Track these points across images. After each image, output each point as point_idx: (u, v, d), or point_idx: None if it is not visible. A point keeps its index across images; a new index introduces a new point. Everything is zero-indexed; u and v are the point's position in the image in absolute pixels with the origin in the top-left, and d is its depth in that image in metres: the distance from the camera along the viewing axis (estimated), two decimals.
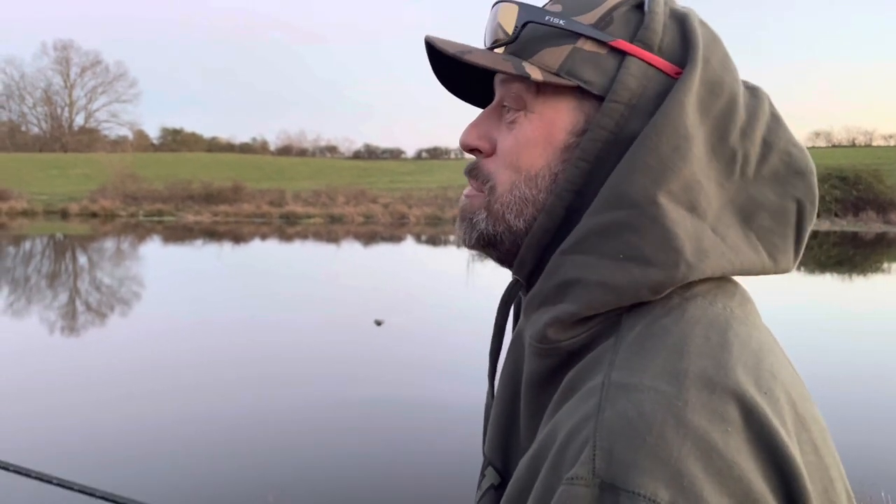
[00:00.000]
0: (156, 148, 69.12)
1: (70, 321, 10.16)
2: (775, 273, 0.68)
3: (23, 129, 67.50)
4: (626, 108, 0.65)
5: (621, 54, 0.66)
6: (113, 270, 16.01)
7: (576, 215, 0.66)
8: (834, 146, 57.35)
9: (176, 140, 71.63)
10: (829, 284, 15.32)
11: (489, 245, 0.73)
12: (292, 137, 75.44)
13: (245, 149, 69.75)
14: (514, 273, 0.74)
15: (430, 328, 9.76)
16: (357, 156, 70.78)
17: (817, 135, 61.92)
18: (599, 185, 0.64)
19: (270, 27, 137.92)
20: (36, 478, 1.32)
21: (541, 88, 0.68)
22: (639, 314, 0.62)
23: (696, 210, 0.62)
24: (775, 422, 0.54)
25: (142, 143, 68.68)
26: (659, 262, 0.60)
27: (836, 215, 33.02)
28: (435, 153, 67.94)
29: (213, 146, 70.12)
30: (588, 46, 0.66)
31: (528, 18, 0.68)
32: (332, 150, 73.52)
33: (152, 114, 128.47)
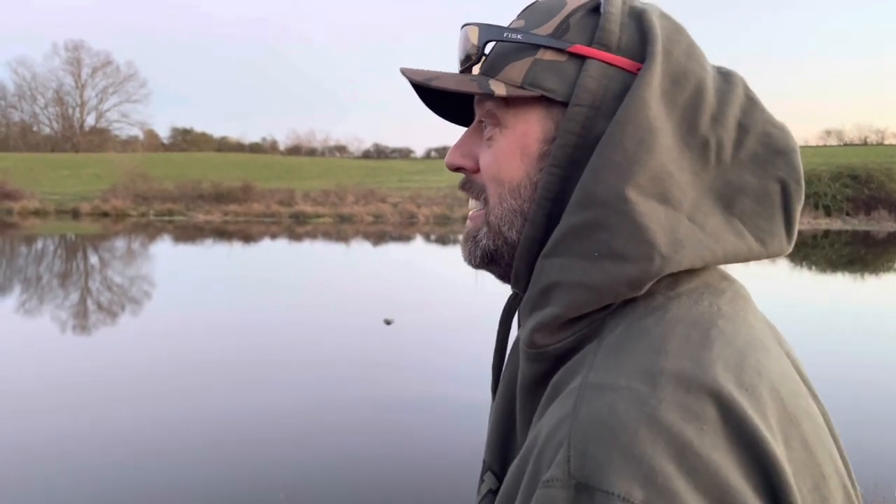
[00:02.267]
0: (166, 148, 69.40)
1: (81, 320, 10.21)
2: (767, 257, 0.68)
3: (34, 129, 67.91)
4: (589, 109, 0.65)
5: (581, 59, 0.67)
6: (124, 270, 16.09)
7: (556, 221, 0.66)
8: (845, 145, 56.92)
9: (186, 140, 71.93)
10: (841, 284, 15.22)
11: (492, 261, 0.74)
12: (302, 137, 75.84)
13: (255, 148, 69.96)
14: (512, 287, 0.76)
15: (439, 327, 9.76)
16: (366, 155, 70.87)
17: (829, 133, 61.60)
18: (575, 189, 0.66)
19: (281, 28, 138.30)
20: None
21: (509, 103, 0.69)
22: (622, 315, 0.62)
23: (670, 201, 0.62)
24: (755, 418, 0.53)
25: (152, 142, 68.99)
26: (632, 256, 0.60)
27: (848, 214, 32.79)
28: (444, 152, 65.68)
29: (223, 146, 70.35)
30: (547, 56, 0.68)
31: (488, 37, 0.71)
32: (341, 149, 73.68)
33: (163, 114, 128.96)
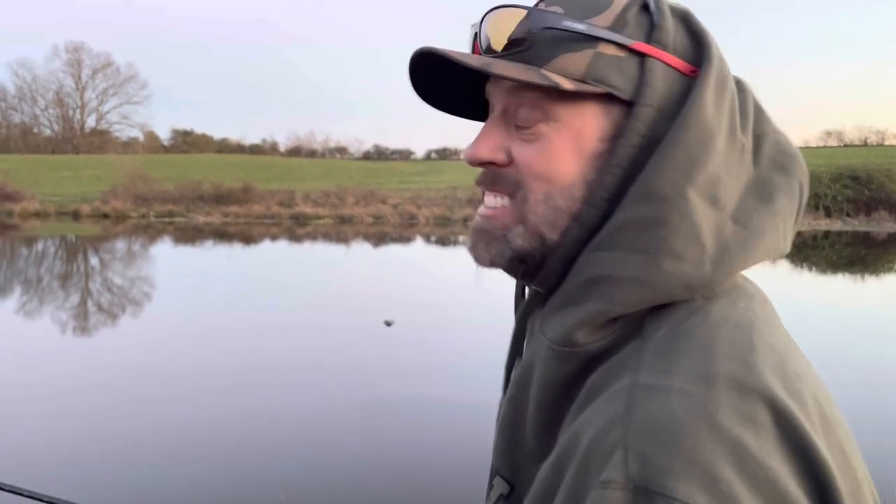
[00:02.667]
0: (166, 149, 69.47)
1: (81, 322, 10.21)
2: (781, 256, 0.69)
3: (35, 130, 68.02)
4: (655, 111, 0.64)
5: (640, 56, 0.65)
6: (124, 271, 16.10)
7: (607, 221, 0.65)
8: (846, 146, 56.92)
9: (186, 141, 72.00)
10: (841, 284, 15.22)
11: (521, 262, 0.71)
12: (302, 138, 75.73)
13: (255, 150, 70.01)
14: (535, 285, 0.73)
15: (440, 328, 9.76)
16: (366, 156, 70.88)
17: (829, 134, 61.60)
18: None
19: (281, 29, 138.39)
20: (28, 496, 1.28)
21: (564, 96, 0.66)
22: (661, 316, 0.61)
23: (717, 203, 0.63)
24: (806, 424, 0.53)
25: (152, 144, 69.07)
26: (688, 257, 0.60)
27: (848, 215, 32.80)
28: (444, 153, 67.95)
29: (224, 147, 70.39)
30: (609, 50, 0.65)
31: (547, 24, 0.66)
32: (341, 150, 73.71)
33: (163, 115, 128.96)
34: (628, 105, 0.66)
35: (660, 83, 0.65)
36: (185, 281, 14.34)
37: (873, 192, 33.13)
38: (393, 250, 22.56)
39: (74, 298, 12.25)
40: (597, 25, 0.66)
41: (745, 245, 0.63)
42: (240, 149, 70.29)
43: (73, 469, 4.74)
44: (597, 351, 0.62)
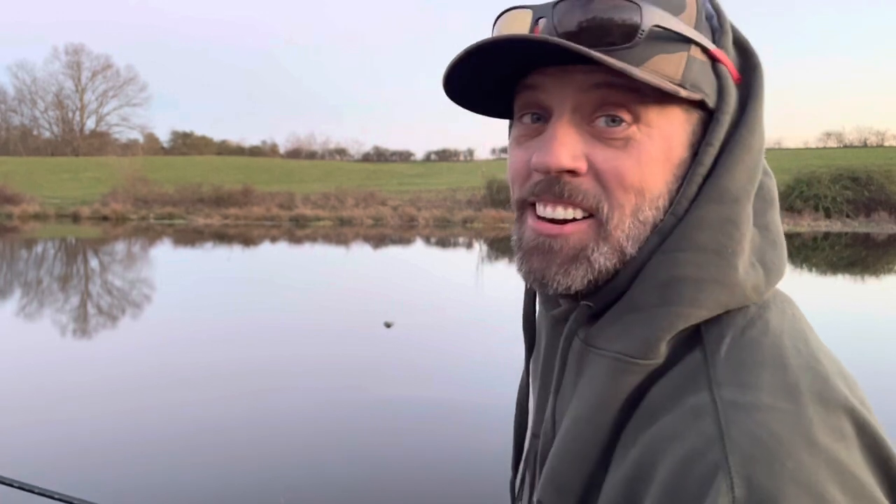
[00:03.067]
0: (166, 151, 69.55)
1: (82, 324, 10.21)
2: None
3: (34, 133, 68.10)
4: (731, 118, 0.64)
5: (712, 62, 0.64)
6: (124, 273, 16.09)
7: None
8: (845, 147, 56.94)
9: (186, 143, 72.06)
10: (841, 285, 15.21)
11: (592, 283, 0.64)
12: (301, 140, 75.70)
13: (255, 151, 70.06)
14: (591, 301, 0.66)
15: (439, 330, 9.75)
16: (366, 158, 70.85)
17: (829, 135, 61.57)
18: None
19: (280, 31, 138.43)
20: (39, 493, 1.29)
21: (658, 99, 0.61)
22: (718, 326, 0.58)
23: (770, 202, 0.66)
24: (883, 434, 0.53)
25: (152, 146, 69.12)
26: (749, 259, 0.61)
27: (848, 216, 32.82)
28: (444, 155, 67.86)
29: (223, 149, 70.44)
30: (698, 55, 0.63)
31: (656, 22, 0.60)
32: (341, 152, 73.68)
33: (163, 117, 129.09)
34: (706, 111, 0.64)
35: (734, 92, 0.64)
36: (185, 283, 14.33)
37: (873, 194, 33.15)
38: (393, 252, 22.54)
39: (74, 301, 12.23)
40: (688, 26, 0.63)
41: (775, 245, 0.65)
42: (239, 151, 70.37)
43: (68, 468, 4.74)
44: (659, 361, 0.59)
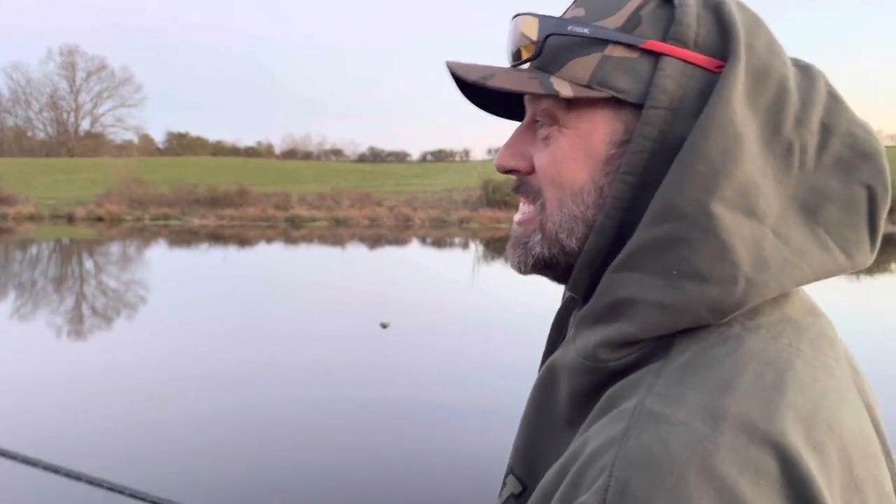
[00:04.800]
0: (161, 152, 69.34)
1: (77, 325, 10.19)
2: (852, 270, 0.63)
3: (29, 134, 67.84)
4: (667, 112, 0.60)
5: (655, 56, 0.62)
6: (119, 274, 16.06)
7: (628, 231, 0.61)
8: None
9: (181, 144, 71.87)
10: (837, 285, 15.26)
11: (546, 268, 0.70)
12: (297, 141, 75.46)
13: (250, 152, 69.91)
14: (569, 291, 0.72)
15: (435, 330, 9.75)
16: (362, 159, 70.75)
17: None
18: (650, 198, 0.60)
19: (276, 32, 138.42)
20: (65, 475, 1.32)
21: (572, 102, 0.64)
22: (692, 339, 0.57)
23: (755, 214, 0.57)
24: (819, 482, 0.48)
25: (147, 147, 68.88)
26: (715, 277, 0.56)
27: None
28: (440, 156, 67.85)
29: (219, 150, 70.29)
30: (618, 52, 0.62)
31: (550, 31, 0.65)
32: (336, 153, 73.55)
33: (158, 118, 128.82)
34: (641, 108, 0.62)
35: (671, 83, 0.60)
36: (180, 284, 14.31)
37: None
38: (389, 252, 22.55)
39: (69, 301, 12.21)
40: (605, 27, 0.63)
41: (783, 264, 0.57)
42: (235, 151, 70.21)
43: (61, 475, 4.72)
44: (621, 367, 0.59)
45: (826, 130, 0.62)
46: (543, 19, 0.65)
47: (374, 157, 70.89)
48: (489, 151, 62.76)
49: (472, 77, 0.65)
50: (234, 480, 4.67)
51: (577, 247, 0.66)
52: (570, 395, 0.64)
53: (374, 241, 24.84)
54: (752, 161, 0.58)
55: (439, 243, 25.00)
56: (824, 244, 0.60)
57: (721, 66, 0.61)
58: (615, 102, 0.63)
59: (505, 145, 0.71)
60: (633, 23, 0.63)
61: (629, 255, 0.60)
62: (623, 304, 0.59)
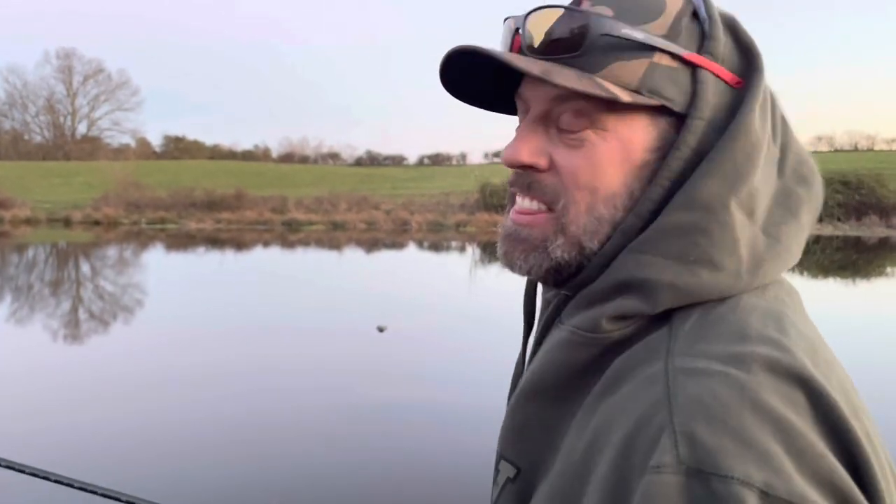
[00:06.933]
0: (158, 156, 69.34)
1: (73, 329, 10.16)
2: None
3: (25, 137, 67.80)
4: (707, 124, 0.64)
5: (692, 67, 0.65)
6: (115, 278, 16.03)
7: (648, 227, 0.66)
8: (836, 150, 57.31)
9: (178, 147, 71.86)
10: (831, 289, 15.29)
11: (557, 272, 0.69)
12: (294, 144, 75.53)
13: (247, 156, 69.96)
14: (565, 290, 0.71)
15: (432, 334, 9.75)
16: (359, 162, 70.82)
17: (819, 139, 61.96)
18: (671, 197, 0.65)
19: (273, 35, 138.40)
20: (55, 481, 1.31)
21: (613, 106, 0.64)
22: (691, 306, 0.62)
23: (753, 215, 0.64)
24: (843, 407, 0.53)
25: (144, 150, 68.87)
26: (725, 268, 0.61)
27: (839, 220, 32.95)
28: (437, 159, 67.94)
29: (216, 153, 70.31)
30: (665, 61, 0.64)
31: (604, 31, 0.63)
32: (334, 156, 73.63)
33: (155, 122, 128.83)
34: (677, 116, 0.65)
35: (711, 96, 0.64)
36: (177, 287, 14.29)
37: (863, 197, 33.31)
38: (386, 256, 22.54)
39: (65, 305, 12.19)
40: (652, 34, 0.64)
41: (777, 258, 0.64)
42: (232, 155, 70.24)
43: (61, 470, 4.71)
44: (619, 338, 0.62)
45: (783, 147, 0.69)
46: (594, 17, 0.64)
47: (371, 160, 70.97)
48: (486, 155, 62.91)
49: (536, 72, 0.63)
50: (229, 483, 4.66)
51: (597, 248, 0.67)
52: (560, 372, 0.66)
53: (371, 245, 24.82)
54: (760, 168, 0.64)
55: (436, 247, 24.99)
56: (801, 240, 0.68)
57: (739, 82, 0.66)
58: (655, 110, 0.65)
59: (520, 139, 0.69)
60: (675, 32, 0.65)
61: (648, 238, 0.63)
62: (634, 283, 0.62)
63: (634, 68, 0.63)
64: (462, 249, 24.22)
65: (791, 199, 0.67)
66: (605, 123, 0.65)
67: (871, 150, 56.44)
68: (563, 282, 0.70)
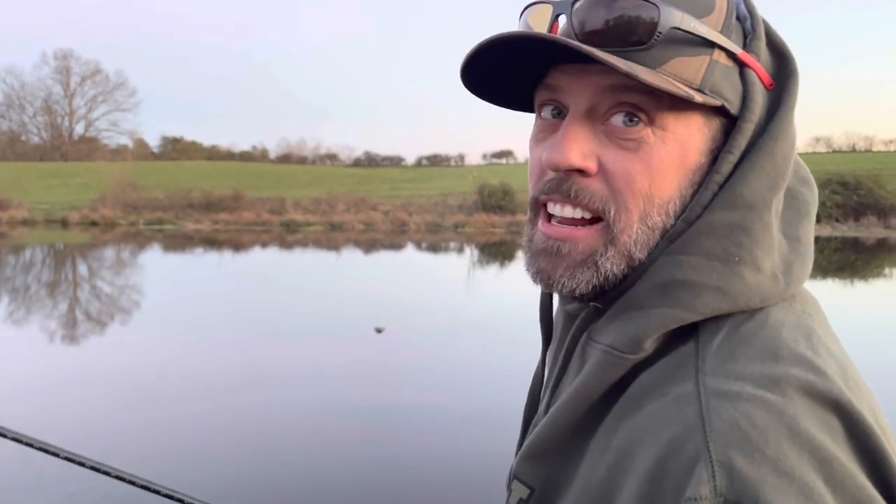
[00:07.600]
0: (156, 156, 69.26)
1: (70, 329, 10.13)
2: None
3: (23, 138, 67.67)
4: (755, 126, 0.62)
5: (740, 66, 0.62)
6: (112, 279, 16.00)
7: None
8: (834, 151, 57.31)
9: (176, 148, 71.75)
10: (830, 290, 15.30)
11: (601, 287, 0.64)
12: (292, 145, 75.39)
13: (245, 157, 69.86)
14: (599, 303, 0.66)
15: (430, 335, 9.73)
16: (357, 163, 70.73)
17: (818, 140, 61.94)
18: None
19: (271, 35, 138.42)
20: (91, 468, 1.29)
21: (673, 103, 0.59)
22: (716, 319, 0.58)
23: (778, 217, 0.63)
24: (878, 432, 0.51)
25: (142, 151, 68.76)
26: (766, 269, 0.59)
27: (837, 221, 33.02)
28: (435, 160, 67.88)
29: (214, 154, 70.22)
30: (722, 59, 0.61)
31: (674, 24, 0.58)
32: (332, 157, 73.51)
33: (152, 122, 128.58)
34: (728, 117, 0.63)
35: (760, 98, 0.62)
36: (175, 289, 14.27)
37: (862, 198, 33.38)
38: (384, 257, 22.53)
39: (62, 306, 12.16)
40: (711, 28, 0.61)
41: (801, 259, 0.63)
42: (230, 156, 70.14)
43: (55, 476, 4.70)
44: (642, 356, 0.59)
45: None
46: (665, 8, 0.58)
47: (370, 161, 70.88)
48: (484, 156, 63.15)
49: (623, 67, 0.56)
50: (228, 483, 4.64)
51: (646, 258, 0.62)
52: (585, 392, 0.61)
53: (370, 246, 24.81)
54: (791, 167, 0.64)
55: (434, 248, 24.99)
56: (813, 243, 0.67)
57: (772, 84, 0.64)
58: (708, 110, 0.62)
59: (567, 139, 0.61)
60: (728, 28, 0.62)
61: (689, 238, 0.60)
62: (676, 286, 0.58)
63: (695, 65, 0.60)
64: (460, 250, 24.22)
65: (798, 200, 0.66)
66: (665, 123, 0.60)
67: (869, 151, 56.48)
68: (599, 295, 0.65)
